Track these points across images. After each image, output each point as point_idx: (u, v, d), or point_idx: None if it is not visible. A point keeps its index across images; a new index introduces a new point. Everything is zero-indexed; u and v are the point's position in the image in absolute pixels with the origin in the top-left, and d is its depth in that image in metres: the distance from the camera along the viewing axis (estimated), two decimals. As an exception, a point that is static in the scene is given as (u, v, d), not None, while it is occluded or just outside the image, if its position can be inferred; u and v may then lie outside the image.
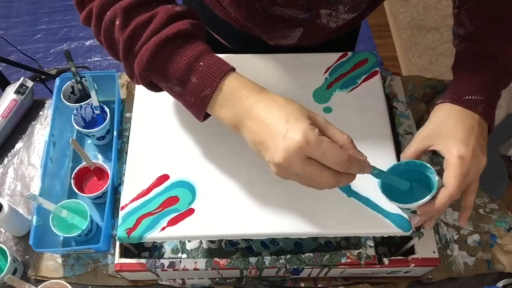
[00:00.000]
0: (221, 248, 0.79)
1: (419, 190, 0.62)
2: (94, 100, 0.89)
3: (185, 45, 0.54)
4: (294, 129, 0.49)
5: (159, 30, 0.53)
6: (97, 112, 0.91)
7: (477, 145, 0.59)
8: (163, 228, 0.64)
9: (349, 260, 0.70)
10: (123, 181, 0.68)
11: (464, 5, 0.68)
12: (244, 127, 0.53)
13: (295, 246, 0.79)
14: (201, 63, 0.53)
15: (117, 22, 0.54)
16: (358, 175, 0.56)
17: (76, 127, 0.87)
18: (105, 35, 0.56)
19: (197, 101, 0.54)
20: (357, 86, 0.76)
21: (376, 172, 0.56)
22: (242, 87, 0.53)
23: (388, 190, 0.61)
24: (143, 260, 0.71)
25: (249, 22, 0.72)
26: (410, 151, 0.64)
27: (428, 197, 0.58)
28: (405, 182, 0.60)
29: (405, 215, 0.65)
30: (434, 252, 0.73)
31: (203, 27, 0.58)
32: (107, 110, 0.89)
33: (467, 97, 0.63)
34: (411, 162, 0.62)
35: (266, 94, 0.53)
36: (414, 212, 0.64)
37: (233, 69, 0.55)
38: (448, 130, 0.61)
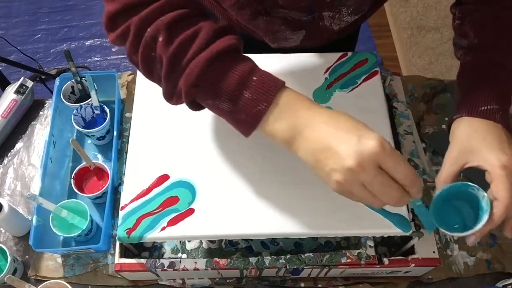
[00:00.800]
0: (221, 248, 0.79)
1: (464, 209, 0.61)
2: (94, 100, 0.89)
3: (236, 60, 0.52)
4: (368, 136, 0.47)
5: (206, 45, 0.52)
6: (97, 112, 0.91)
7: None
8: (163, 228, 0.64)
9: (349, 260, 0.70)
10: (123, 181, 0.68)
11: (467, 16, 0.67)
12: (301, 137, 0.51)
13: (295, 246, 0.79)
14: (254, 78, 0.52)
15: (160, 39, 0.52)
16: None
17: (76, 127, 0.87)
18: (144, 53, 0.54)
19: (248, 117, 0.52)
20: (357, 86, 0.76)
21: (419, 204, 0.56)
22: (300, 100, 0.52)
23: (437, 218, 0.60)
24: (143, 260, 0.71)
25: (251, 24, 0.72)
26: (445, 175, 0.62)
27: (486, 217, 0.56)
28: (431, 223, 0.59)
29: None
30: (434, 252, 0.73)
31: (242, 42, 0.57)
32: (107, 110, 0.89)
33: (483, 108, 0.62)
34: (452, 185, 0.60)
35: (325, 108, 0.52)
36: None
37: (285, 84, 0.54)
38: (479, 143, 0.60)
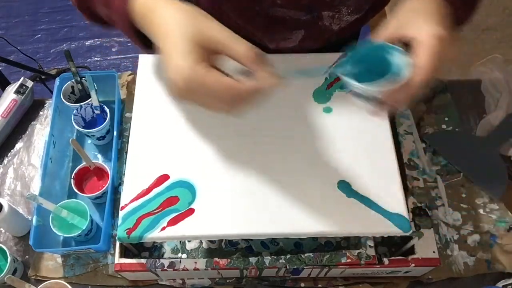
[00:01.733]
0: (221, 248, 0.79)
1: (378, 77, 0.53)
2: (94, 100, 0.89)
3: None
4: (174, 72, 0.47)
5: None
6: (97, 112, 0.91)
7: (451, 31, 0.53)
8: (163, 228, 0.64)
9: (349, 260, 0.70)
10: (123, 181, 0.68)
11: None
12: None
13: (295, 246, 0.79)
14: None
15: None
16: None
17: (76, 127, 0.87)
18: None
19: (120, 21, 0.53)
20: (357, 86, 0.76)
21: (289, 75, 0.52)
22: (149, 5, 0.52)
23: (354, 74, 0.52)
24: (143, 260, 0.71)
25: (250, 25, 0.72)
26: (379, 34, 0.55)
27: (400, 79, 0.50)
28: (320, 68, 0.53)
29: (366, 104, 0.55)
30: (434, 252, 0.73)
31: None
32: (107, 110, 0.89)
33: None
34: (376, 44, 0.53)
35: (160, 11, 0.50)
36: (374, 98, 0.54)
37: None
38: (418, 14, 0.54)
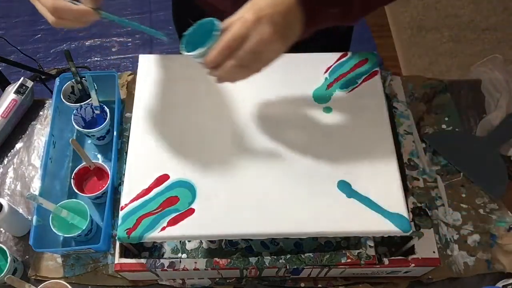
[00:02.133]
0: (221, 248, 0.79)
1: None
2: (94, 100, 0.89)
3: None
4: None
5: None
6: (97, 112, 0.91)
7: (272, 16, 0.56)
8: (163, 228, 0.64)
9: (349, 260, 0.70)
10: (123, 181, 0.68)
11: None
12: None
13: (295, 246, 0.79)
14: None
15: None
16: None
17: (76, 127, 0.87)
18: None
19: None
20: (357, 86, 0.76)
21: (105, 17, 0.61)
22: None
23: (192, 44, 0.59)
24: (143, 260, 0.71)
25: (222, 5, 0.72)
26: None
27: (203, 48, 0.57)
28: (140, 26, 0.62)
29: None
30: (434, 252, 0.73)
31: None
32: (107, 110, 0.89)
33: None
34: (209, 20, 0.58)
35: None
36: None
37: None
38: (248, 3, 0.58)
